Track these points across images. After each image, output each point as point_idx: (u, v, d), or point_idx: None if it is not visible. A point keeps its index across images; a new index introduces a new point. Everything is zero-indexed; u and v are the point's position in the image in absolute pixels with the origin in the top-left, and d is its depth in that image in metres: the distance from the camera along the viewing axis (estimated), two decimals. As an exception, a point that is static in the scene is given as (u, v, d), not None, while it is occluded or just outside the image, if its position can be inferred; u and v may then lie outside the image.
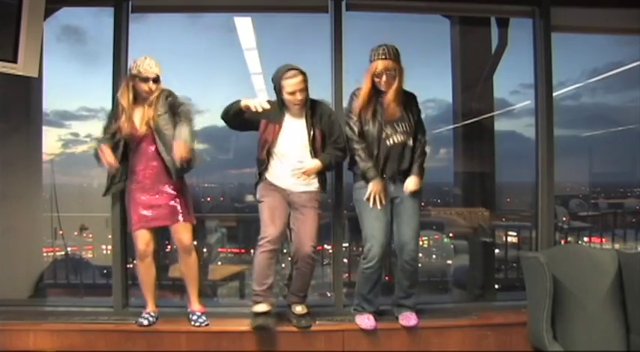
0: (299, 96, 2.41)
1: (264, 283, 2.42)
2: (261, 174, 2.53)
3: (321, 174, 2.53)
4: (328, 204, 2.84)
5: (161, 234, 2.71)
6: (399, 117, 2.49)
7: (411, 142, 2.51)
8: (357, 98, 2.50)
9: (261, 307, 2.43)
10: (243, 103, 2.42)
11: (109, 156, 2.47)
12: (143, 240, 2.55)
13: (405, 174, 2.50)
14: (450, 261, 4.40)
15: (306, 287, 2.59)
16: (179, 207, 2.55)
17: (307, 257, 2.47)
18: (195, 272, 2.63)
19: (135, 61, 2.51)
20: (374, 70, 2.43)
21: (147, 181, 2.54)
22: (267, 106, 2.41)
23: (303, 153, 2.49)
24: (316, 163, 2.46)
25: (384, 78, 2.42)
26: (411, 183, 2.48)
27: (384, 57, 2.41)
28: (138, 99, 2.54)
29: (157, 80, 2.51)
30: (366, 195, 2.46)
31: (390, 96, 2.45)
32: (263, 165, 2.51)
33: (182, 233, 2.55)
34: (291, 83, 2.39)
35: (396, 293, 2.63)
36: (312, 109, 2.50)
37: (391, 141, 2.48)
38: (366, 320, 2.55)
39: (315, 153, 2.48)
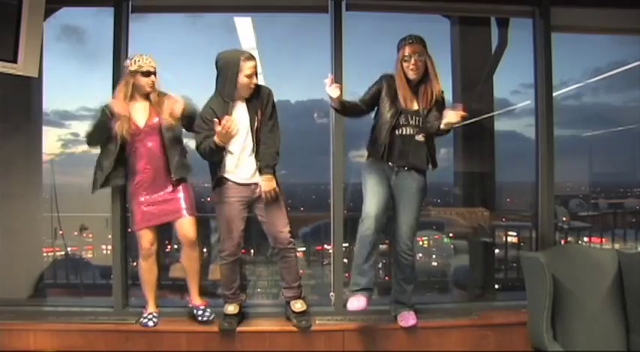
0: (255, 80, 2.43)
1: (231, 287, 2.60)
2: (217, 173, 2.49)
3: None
4: (328, 204, 2.84)
5: (161, 234, 2.70)
6: (415, 110, 2.47)
7: (420, 138, 2.47)
8: (392, 84, 2.47)
9: (232, 308, 2.59)
10: (217, 139, 2.33)
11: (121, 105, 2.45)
12: (147, 238, 2.56)
13: (409, 166, 2.48)
14: (450, 261, 4.40)
15: (297, 277, 2.61)
16: (182, 202, 2.56)
17: (287, 242, 2.52)
18: (198, 266, 2.65)
19: (130, 58, 2.51)
20: (401, 55, 2.43)
21: (148, 179, 2.54)
22: (232, 122, 2.33)
23: (246, 137, 2.47)
24: (269, 183, 2.44)
25: (412, 61, 2.41)
26: (453, 115, 2.28)
27: (410, 41, 2.43)
28: (135, 95, 2.54)
29: (155, 74, 2.53)
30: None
31: (424, 85, 2.44)
32: (220, 162, 2.48)
33: (187, 227, 2.56)
34: (250, 65, 2.41)
35: (393, 288, 2.64)
36: (254, 95, 2.48)
37: (400, 132, 2.47)
38: (355, 302, 2.41)
39: (255, 137, 2.46)
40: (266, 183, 2.45)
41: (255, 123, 2.46)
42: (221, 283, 2.63)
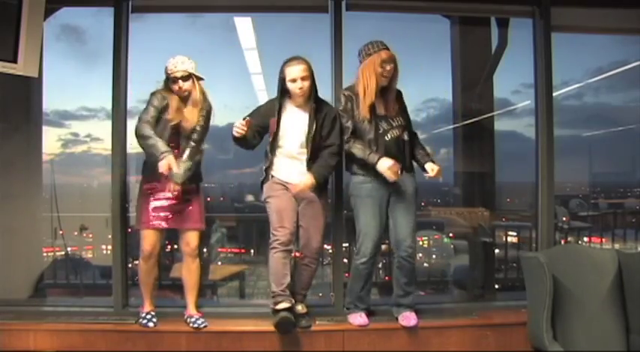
0: (299, 84, 2.41)
1: (282, 283, 2.42)
2: (267, 171, 2.53)
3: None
4: (328, 205, 2.84)
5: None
6: (391, 111, 2.51)
7: (406, 136, 2.52)
8: (354, 98, 2.48)
9: (283, 305, 2.40)
10: (235, 133, 2.38)
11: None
12: (149, 241, 2.51)
13: (404, 168, 2.49)
14: (450, 261, 4.40)
15: (309, 285, 2.61)
16: (193, 212, 2.53)
17: (315, 252, 2.51)
18: (197, 278, 2.61)
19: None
20: (380, 60, 2.41)
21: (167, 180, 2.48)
22: (245, 125, 2.35)
23: (298, 146, 2.48)
24: (309, 180, 2.40)
25: (387, 68, 2.42)
26: (435, 168, 2.48)
27: (386, 47, 2.44)
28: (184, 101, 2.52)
29: (186, 78, 2.46)
30: (387, 175, 2.38)
31: (393, 89, 2.50)
32: (268, 160, 2.52)
33: (191, 238, 2.54)
34: (292, 70, 2.41)
35: (394, 292, 2.63)
36: (319, 107, 2.49)
37: (389, 136, 2.49)
38: (359, 318, 2.57)
39: (310, 150, 2.46)
40: (305, 179, 2.40)
41: (311, 133, 2.45)
42: (270, 279, 2.45)
